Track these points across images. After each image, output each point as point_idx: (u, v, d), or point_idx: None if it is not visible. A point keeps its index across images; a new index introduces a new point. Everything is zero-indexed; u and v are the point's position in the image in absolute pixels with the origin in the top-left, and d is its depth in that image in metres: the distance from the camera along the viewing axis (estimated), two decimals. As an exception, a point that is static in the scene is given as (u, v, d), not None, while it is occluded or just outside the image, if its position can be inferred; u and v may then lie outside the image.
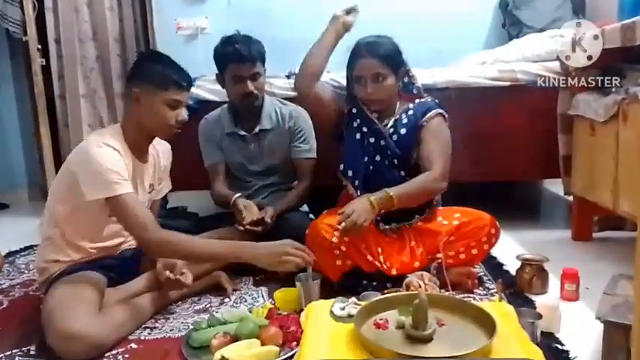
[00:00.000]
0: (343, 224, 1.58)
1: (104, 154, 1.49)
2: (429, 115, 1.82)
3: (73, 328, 1.32)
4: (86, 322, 1.35)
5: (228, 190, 2.09)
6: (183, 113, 1.63)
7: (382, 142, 1.82)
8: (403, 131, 1.82)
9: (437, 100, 1.90)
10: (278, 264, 1.52)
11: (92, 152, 1.48)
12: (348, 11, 1.91)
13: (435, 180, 1.73)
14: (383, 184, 1.71)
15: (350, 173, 1.82)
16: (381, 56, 1.76)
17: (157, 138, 1.70)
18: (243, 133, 2.11)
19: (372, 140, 1.83)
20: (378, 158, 1.83)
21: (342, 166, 1.84)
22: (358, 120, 1.85)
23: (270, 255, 1.52)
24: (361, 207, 1.61)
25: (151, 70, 1.58)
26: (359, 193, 1.76)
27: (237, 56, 1.95)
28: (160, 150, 1.78)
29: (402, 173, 1.82)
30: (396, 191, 1.67)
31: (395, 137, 1.82)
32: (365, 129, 1.84)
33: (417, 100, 1.88)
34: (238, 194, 2.01)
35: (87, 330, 1.33)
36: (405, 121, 1.84)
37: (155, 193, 1.79)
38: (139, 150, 1.65)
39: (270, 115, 2.11)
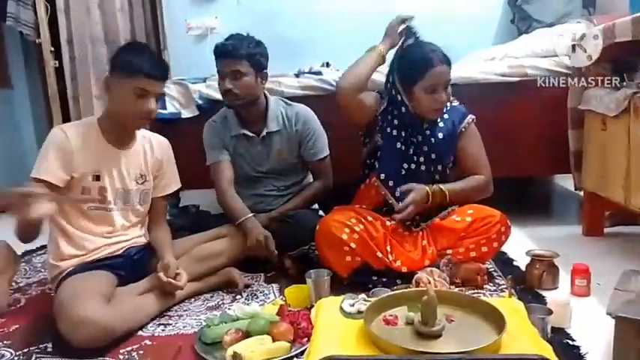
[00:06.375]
0: (401, 215, 1.70)
1: (49, 139, 1.57)
2: (466, 120, 1.88)
3: (82, 314, 1.36)
4: (95, 309, 1.39)
5: (240, 201, 1.99)
6: (152, 105, 1.57)
7: (425, 148, 1.83)
8: (440, 136, 1.84)
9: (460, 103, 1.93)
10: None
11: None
12: (403, 20, 1.87)
13: (486, 184, 1.87)
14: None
15: (385, 177, 1.81)
16: (449, 62, 1.76)
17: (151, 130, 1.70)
18: (250, 134, 2.04)
19: (416, 140, 1.82)
20: (414, 164, 1.83)
21: (378, 170, 1.83)
22: (396, 121, 1.82)
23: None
24: (419, 200, 1.73)
25: (123, 59, 1.57)
26: (394, 197, 1.78)
27: (221, 52, 1.91)
28: (155, 142, 1.76)
29: (437, 177, 1.85)
30: (450, 189, 1.78)
31: (432, 140, 1.84)
32: (408, 130, 1.82)
33: (448, 104, 1.88)
34: (250, 215, 1.92)
35: (95, 316, 1.37)
36: (441, 125, 1.86)
37: (149, 185, 1.74)
38: (116, 138, 1.65)
39: (276, 116, 2.04)
